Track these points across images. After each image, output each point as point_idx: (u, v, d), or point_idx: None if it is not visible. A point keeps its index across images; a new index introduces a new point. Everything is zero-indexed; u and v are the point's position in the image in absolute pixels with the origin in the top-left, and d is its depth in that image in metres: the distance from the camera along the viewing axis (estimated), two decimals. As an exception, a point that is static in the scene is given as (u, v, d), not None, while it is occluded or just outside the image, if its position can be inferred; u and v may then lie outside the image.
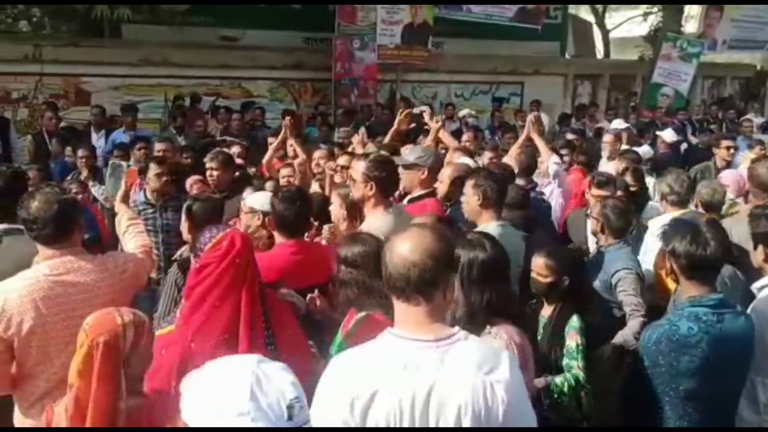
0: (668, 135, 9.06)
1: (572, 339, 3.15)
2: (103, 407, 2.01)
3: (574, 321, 3.21)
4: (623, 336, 3.63)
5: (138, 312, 2.23)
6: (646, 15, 19.49)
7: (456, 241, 2.55)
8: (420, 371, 1.77)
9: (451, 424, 1.74)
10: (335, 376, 1.84)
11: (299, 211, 3.45)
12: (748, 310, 2.70)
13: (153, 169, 4.97)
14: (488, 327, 2.52)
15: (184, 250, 3.78)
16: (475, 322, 2.48)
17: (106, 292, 2.80)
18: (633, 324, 3.63)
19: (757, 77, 19.31)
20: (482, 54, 14.46)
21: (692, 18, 17.24)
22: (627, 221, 4.14)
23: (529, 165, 5.59)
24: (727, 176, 5.62)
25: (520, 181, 5.19)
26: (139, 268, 3.08)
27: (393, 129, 6.52)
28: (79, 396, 2.04)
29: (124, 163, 4.01)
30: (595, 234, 4.24)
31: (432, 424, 1.75)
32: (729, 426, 2.61)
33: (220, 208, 3.82)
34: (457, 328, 1.89)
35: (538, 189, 5.56)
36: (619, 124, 10.32)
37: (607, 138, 7.78)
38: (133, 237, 3.29)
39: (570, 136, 8.48)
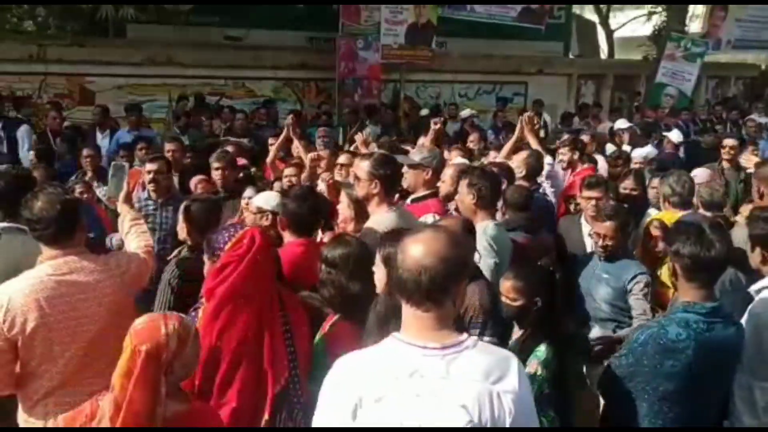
0: (675, 136, 9.04)
1: (532, 368, 2.90)
2: (137, 410, 2.04)
3: (540, 351, 2.91)
4: (625, 332, 3.66)
5: (185, 319, 2.25)
6: (650, 15, 19.45)
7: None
8: (425, 379, 1.74)
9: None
10: (339, 379, 1.83)
11: (310, 209, 3.51)
12: (746, 313, 2.71)
13: (147, 166, 5.05)
14: None
15: (182, 250, 3.77)
16: (392, 322, 2.31)
17: (109, 291, 2.82)
18: (637, 326, 3.65)
19: (762, 77, 19.28)
20: (486, 54, 14.48)
21: (697, 18, 17.20)
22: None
23: (535, 168, 5.51)
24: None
25: (524, 183, 5.15)
26: (142, 268, 3.10)
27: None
28: (118, 399, 2.07)
29: (126, 164, 4.02)
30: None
31: None
32: (703, 426, 2.62)
33: (218, 209, 3.84)
34: (465, 335, 1.84)
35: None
36: (622, 123, 10.32)
37: (584, 139, 7.73)
38: (135, 237, 3.31)
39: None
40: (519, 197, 4.57)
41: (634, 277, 3.78)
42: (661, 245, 3.83)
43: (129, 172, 3.87)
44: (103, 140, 8.72)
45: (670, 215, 4.13)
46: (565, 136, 7.47)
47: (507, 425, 1.73)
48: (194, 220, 3.57)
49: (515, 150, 5.82)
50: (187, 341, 2.16)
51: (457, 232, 2.94)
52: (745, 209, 4.08)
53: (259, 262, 2.58)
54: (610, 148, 8.84)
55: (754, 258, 2.89)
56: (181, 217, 3.66)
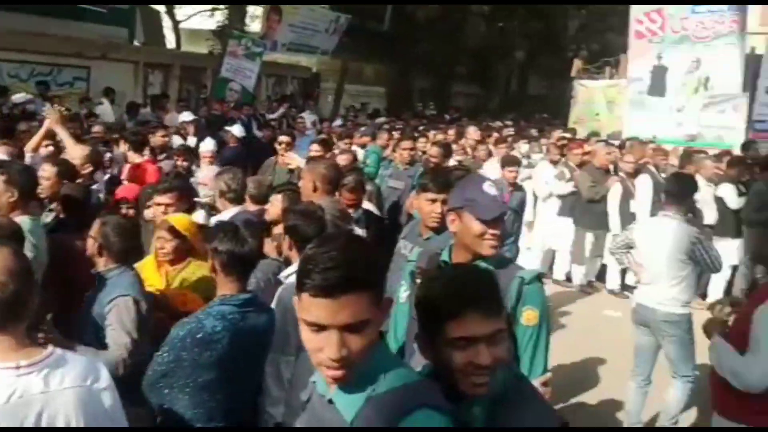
0: (237, 130, 9.57)
1: None
2: None
3: None
4: None
5: None
6: (213, 11, 20.20)
7: None
8: (25, 398, 1.73)
9: None
10: None
11: None
12: (275, 298, 3.06)
13: None
14: None
15: None
16: None
17: None
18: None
19: (313, 78, 21.81)
20: (40, 32, 13.13)
21: (256, 18, 18.45)
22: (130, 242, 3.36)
23: (97, 163, 5.52)
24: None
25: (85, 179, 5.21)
26: None
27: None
28: None
29: None
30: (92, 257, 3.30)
31: None
32: (242, 407, 2.87)
33: None
34: (50, 347, 1.85)
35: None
36: (187, 116, 10.59)
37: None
38: None
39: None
40: (78, 194, 4.60)
41: (111, 300, 3.02)
42: (168, 246, 3.59)
43: None
44: None
45: (178, 218, 3.81)
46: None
47: (106, 417, 1.88)
48: None
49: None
50: None
51: (12, 244, 2.74)
52: (275, 198, 4.33)
53: None
54: (177, 140, 8.98)
55: (285, 245, 3.25)
56: None
